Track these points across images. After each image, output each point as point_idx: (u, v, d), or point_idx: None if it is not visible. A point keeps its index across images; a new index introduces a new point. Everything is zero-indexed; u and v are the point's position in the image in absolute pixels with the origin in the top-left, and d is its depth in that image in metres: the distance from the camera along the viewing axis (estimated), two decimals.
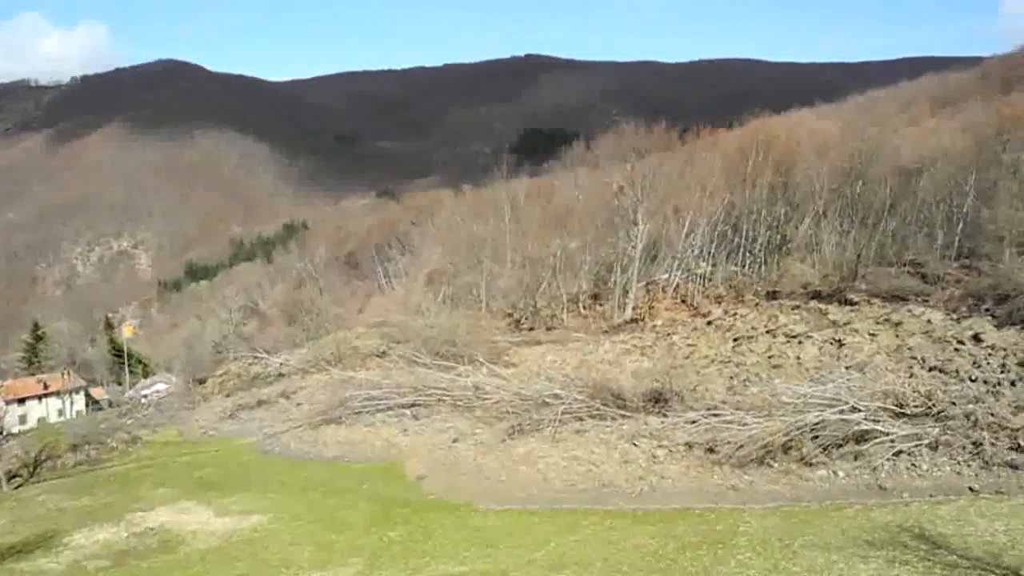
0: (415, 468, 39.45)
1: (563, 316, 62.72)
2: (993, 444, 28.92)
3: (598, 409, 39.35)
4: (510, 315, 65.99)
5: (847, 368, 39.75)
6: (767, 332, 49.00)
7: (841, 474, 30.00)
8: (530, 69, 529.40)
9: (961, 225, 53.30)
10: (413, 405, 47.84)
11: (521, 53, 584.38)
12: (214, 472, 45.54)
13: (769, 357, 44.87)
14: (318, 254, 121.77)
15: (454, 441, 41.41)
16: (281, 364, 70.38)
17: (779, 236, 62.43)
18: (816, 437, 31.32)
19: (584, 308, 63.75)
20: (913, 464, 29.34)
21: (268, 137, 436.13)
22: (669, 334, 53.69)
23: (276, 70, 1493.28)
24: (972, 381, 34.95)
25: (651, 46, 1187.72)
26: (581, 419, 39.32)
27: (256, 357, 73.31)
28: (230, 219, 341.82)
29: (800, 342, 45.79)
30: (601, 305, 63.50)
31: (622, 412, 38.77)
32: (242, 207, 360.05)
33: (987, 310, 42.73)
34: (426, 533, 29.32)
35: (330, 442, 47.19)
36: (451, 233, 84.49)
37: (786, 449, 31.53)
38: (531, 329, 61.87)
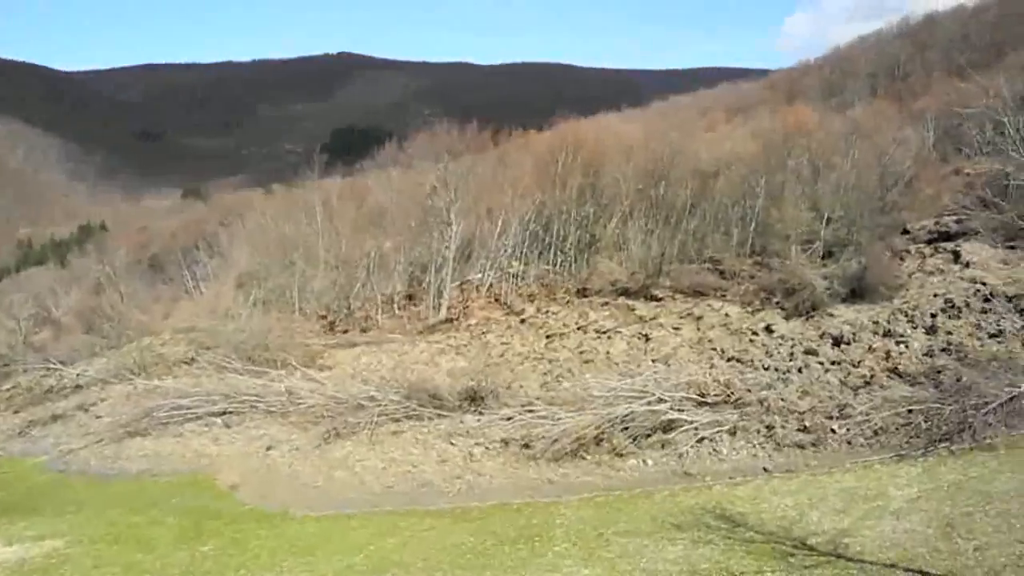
0: (228, 478, 37.92)
1: (378, 317, 62.17)
2: (783, 427, 31.22)
3: (414, 410, 39.30)
4: (324, 317, 64.77)
5: (653, 361, 41.78)
6: (578, 328, 50.55)
7: (650, 462, 31.37)
8: (342, 67, 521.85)
9: (753, 224, 56.97)
10: (224, 413, 45.96)
11: (333, 51, 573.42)
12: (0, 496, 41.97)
13: (580, 353, 46.35)
14: (118, 257, 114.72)
15: (268, 448, 40.16)
16: (78, 375, 65.78)
17: (588, 235, 64.40)
18: (626, 428, 32.61)
19: (399, 309, 63.46)
20: (714, 449, 31.14)
21: (59, 130, 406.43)
22: (484, 333, 54.36)
23: (68, 59, 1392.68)
24: (765, 369, 37.59)
25: (464, 47, 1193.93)
26: (398, 420, 39.14)
27: (49, 368, 68.12)
28: (17, 219, 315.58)
29: (609, 337, 47.60)
30: (416, 305, 63.40)
31: (438, 412, 38.91)
32: (31, 206, 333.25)
33: (777, 303, 46.09)
34: (240, 545, 28.24)
35: (135, 456, 44.45)
36: (262, 234, 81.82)
37: (598, 441, 32.62)
38: (346, 331, 60.97)
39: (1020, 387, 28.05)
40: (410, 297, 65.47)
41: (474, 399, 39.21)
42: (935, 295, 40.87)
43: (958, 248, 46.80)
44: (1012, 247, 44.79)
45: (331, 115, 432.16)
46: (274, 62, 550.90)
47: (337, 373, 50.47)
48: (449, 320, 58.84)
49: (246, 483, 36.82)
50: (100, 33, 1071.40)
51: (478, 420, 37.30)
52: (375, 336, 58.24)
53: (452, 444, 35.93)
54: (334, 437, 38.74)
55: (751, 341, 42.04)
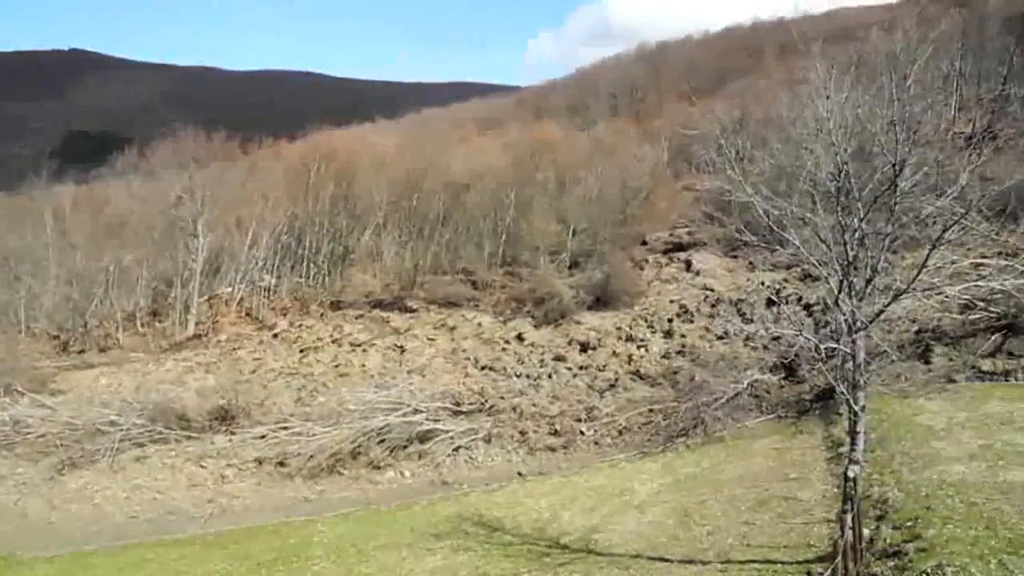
0: None
1: (118, 335, 58.24)
2: (536, 431, 32.43)
3: (160, 433, 37.09)
4: (56, 337, 59.72)
5: (409, 372, 41.99)
6: (333, 342, 49.97)
7: (408, 474, 31.46)
8: (75, 66, 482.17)
9: (504, 236, 58.81)
10: None
11: (65, 47, 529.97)
12: None
13: (336, 366, 45.77)
14: None
15: None
16: None
17: (342, 247, 63.86)
18: (383, 441, 32.54)
19: (142, 326, 59.78)
20: (471, 457, 31.77)
21: None
22: (234, 349, 52.44)
23: None
24: (517, 376, 38.82)
25: (208, 50, 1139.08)
26: (142, 445, 36.75)
27: None
28: None
29: (365, 350, 47.38)
30: (161, 322, 60.02)
31: (187, 433, 36.96)
32: None
33: (528, 312, 47.88)
34: None
35: None
36: None
37: (355, 455, 32.33)
38: (81, 351, 56.55)
39: (743, 383, 30.76)
40: (154, 313, 61.88)
41: (225, 418, 37.63)
42: (671, 301, 44.27)
43: (690, 258, 51.02)
44: (734, 256, 49.36)
45: (62, 116, 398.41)
46: None
47: (72, 397, 46.61)
48: (197, 336, 56.28)
49: None
50: None
51: (229, 440, 35.82)
52: (115, 356, 54.55)
53: (202, 467, 34.29)
54: (69, 467, 35.75)
55: (503, 349, 43.31)
